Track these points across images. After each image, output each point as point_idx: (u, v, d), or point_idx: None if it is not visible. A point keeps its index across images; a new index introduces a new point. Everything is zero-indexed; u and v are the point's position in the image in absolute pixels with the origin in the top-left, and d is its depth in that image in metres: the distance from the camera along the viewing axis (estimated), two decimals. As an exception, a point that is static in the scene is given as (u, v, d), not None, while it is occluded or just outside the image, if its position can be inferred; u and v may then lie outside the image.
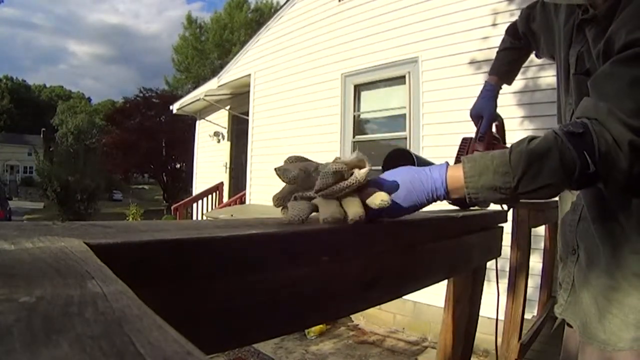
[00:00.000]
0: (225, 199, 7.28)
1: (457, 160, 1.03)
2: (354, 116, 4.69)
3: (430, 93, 3.93)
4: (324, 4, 5.08)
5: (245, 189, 6.33)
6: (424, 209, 0.62)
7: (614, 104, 0.60)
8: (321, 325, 3.80)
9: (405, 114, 4.13)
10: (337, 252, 0.48)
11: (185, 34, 27.91)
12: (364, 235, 0.53)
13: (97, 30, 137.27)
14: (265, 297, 0.40)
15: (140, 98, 17.38)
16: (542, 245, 2.51)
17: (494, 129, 1.16)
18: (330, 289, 0.49)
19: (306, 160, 0.57)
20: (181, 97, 9.49)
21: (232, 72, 6.74)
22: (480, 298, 0.96)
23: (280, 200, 0.57)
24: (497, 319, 1.10)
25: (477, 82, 3.23)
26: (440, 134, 3.75)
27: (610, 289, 0.76)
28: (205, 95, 7.01)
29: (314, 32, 5.19)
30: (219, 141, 7.81)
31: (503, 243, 1.02)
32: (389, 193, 0.54)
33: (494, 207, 0.91)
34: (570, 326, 0.91)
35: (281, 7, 5.96)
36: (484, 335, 1.70)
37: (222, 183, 7.56)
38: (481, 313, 0.96)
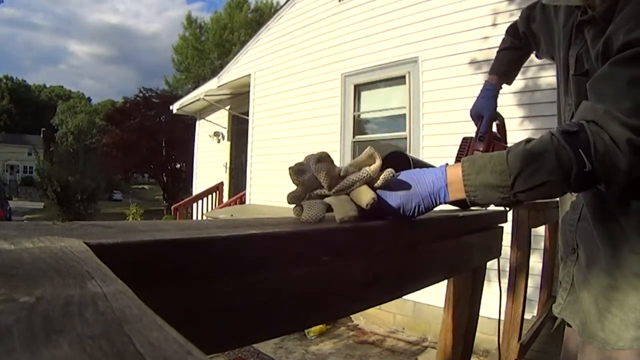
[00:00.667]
0: (225, 199, 7.28)
1: (457, 160, 1.03)
2: (354, 116, 4.70)
3: (430, 93, 3.93)
4: (324, 4, 5.08)
5: (245, 189, 6.33)
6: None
7: (612, 104, 0.60)
8: (321, 325, 3.80)
9: (405, 114, 4.13)
10: (337, 252, 0.48)
11: (185, 34, 27.93)
12: (364, 235, 0.54)
13: (97, 30, 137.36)
14: (265, 297, 0.40)
15: (140, 98, 17.37)
16: (542, 245, 2.51)
17: (494, 129, 1.16)
18: (330, 289, 0.49)
19: (330, 160, 0.56)
20: (181, 97, 9.49)
21: (232, 72, 6.74)
22: (480, 298, 0.96)
23: (295, 199, 0.57)
24: (499, 319, 1.10)
25: (477, 82, 3.23)
26: (440, 134, 3.75)
27: (610, 289, 0.77)
28: (205, 95, 7.02)
29: (314, 32, 5.19)
30: (219, 141, 7.81)
31: (503, 243, 1.02)
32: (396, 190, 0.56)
33: (494, 207, 0.91)
34: (570, 325, 0.91)
35: (281, 7, 5.96)
36: (484, 335, 1.70)
37: (222, 183, 7.56)
38: (481, 313, 0.96)
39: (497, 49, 1.25)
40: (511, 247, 1.70)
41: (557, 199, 1.01)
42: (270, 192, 5.50)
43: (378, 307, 3.08)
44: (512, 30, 1.18)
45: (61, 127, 35.34)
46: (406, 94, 4.13)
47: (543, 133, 0.62)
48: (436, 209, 0.62)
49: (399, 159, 0.73)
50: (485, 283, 0.97)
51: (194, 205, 7.34)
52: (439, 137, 3.76)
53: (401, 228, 0.60)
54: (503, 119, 1.19)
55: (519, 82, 3.28)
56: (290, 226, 0.48)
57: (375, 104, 4.63)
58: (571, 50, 0.81)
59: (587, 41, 0.75)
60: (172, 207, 8.21)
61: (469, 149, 1.08)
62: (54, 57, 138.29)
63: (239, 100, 7.03)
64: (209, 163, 8.07)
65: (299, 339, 3.72)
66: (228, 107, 7.34)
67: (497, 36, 1.25)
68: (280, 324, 0.43)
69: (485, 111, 1.14)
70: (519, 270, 1.70)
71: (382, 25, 4.40)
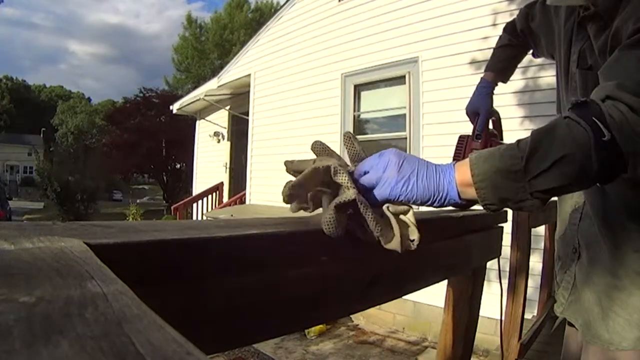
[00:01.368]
0: (225, 199, 7.28)
1: (455, 159, 1.03)
2: (354, 116, 4.70)
3: (431, 93, 3.93)
4: (324, 4, 5.08)
5: (245, 189, 6.33)
6: (424, 209, 0.62)
7: (624, 79, 0.57)
8: (321, 325, 3.80)
9: (405, 114, 4.13)
10: (336, 252, 0.48)
11: (185, 34, 27.91)
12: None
13: (97, 30, 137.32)
14: (265, 297, 0.40)
15: (140, 98, 17.36)
16: (542, 245, 2.51)
17: (490, 125, 1.16)
18: (330, 289, 0.49)
19: (330, 151, 0.52)
20: (181, 97, 9.49)
21: (232, 72, 6.74)
22: (480, 298, 0.96)
23: (306, 197, 0.50)
24: (501, 319, 1.10)
25: (477, 82, 3.22)
26: (440, 134, 3.75)
27: (613, 288, 0.76)
28: (205, 95, 7.02)
29: (314, 32, 5.19)
30: (219, 141, 7.81)
31: (503, 243, 1.02)
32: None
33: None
34: (572, 325, 0.91)
35: (281, 7, 5.96)
36: (484, 335, 1.70)
37: (222, 183, 7.56)
38: (481, 313, 0.96)
39: (496, 47, 1.25)
40: (511, 247, 1.70)
41: (555, 198, 1.01)
42: (270, 192, 5.50)
43: (378, 307, 3.08)
44: (510, 28, 1.17)
45: (61, 127, 35.32)
46: (406, 94, 4.13)
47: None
48: (436, 209, 0.61)
49: None
50: (485, 283, 0.97)
51: (194, 205, 7.34)
52: (439, 137, 3.76)
53: (401, 228, 0.60)
54: (499, 114, 1.18)
55: (519, 82, 3.29)
56: (290, 226, 0.48)
57: (375, 104, 4.63)
58: (573, 47, 0.81)
59: (590, 37, 0.76)
60: (172, 207, 8.21)
61: (466, 146, 1.07)
62: (54, 57, 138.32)
63: (239, 100, 7.03)
64: (209, 163, 8.07)
65: (299, 339, 3.72)
66: (228, 107, 7.34)
67: (497, 36, 1.25)
68: (280, 324, 0.43)
69: (481, 108, 1.13)
70: (519, 270, 1.70)
71: (382, 25, 4.40)
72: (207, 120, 8.04)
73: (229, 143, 7.63)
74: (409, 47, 4.13)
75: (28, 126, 41.49)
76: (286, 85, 5.56)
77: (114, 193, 27.61)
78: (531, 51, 1.17)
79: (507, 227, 1.10)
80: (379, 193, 0.52)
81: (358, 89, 4.71)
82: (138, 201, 19.56)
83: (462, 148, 1.07)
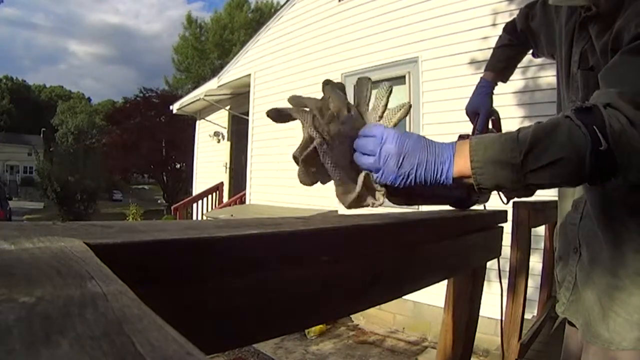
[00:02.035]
0: (225, 199, 7.28)
1: None
2: (354, 116, 4.69)
3: (430, 93, 3.94)
4: (324, 4, 5.08)
5: (245, 189, 6.34)
6: (424, 209, 0.62)
7: (625, 88, 0.58)
8: (321, 325, 3.80)
9: (405, 114, 4.13)
10: (336, 252, 0.48)
11: (185, 34, 27.93)
12: (363, 235, 0.53)
13: (97, 30, 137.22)
14: (265, 297, 0.40)
15: (140, 98, 17.35)
16: (542, 245, 2.51)
17: (490, 125, 1.16)
18: (330, 289, 0.49)
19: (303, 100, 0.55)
20: (181, 97, 9.49)
21: (232, 72, 6.74)
22: (480, 298, 0.96)
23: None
24: (501, 319, 1.10)
25: (476, 82, 3.22)
26: (440, 134, 3.75)
27: (614, 288, 0.76)
28: (205, 95, 7.02)
29: (314, 32, 5.19)
30: (219, 141, 7.81)
31: (503, 243, 1.02)
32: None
33: (494, 207, 0.91)
34: (572, 325, 0.91)
35: (281, 7, 5.96)
36: (484, 335, 1.70)
37: (222, 183, 7.56)
38: (481, 313, 0.96)
39: (496, 47, 1.24)
40: (511, 247, 1.70)
41: (557, 198, 1.01)
42: (270, 192, 5.50)
43: (378, 307, 3.08)
44: (510, 28, 1.17)
45: (61, 127, 35.34)
46: (406, 94, 4.13)
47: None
48: (436, 208, 0.61)
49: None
50: (485, 283, 0.97)
51: (194, 205, 7.34)
52: (439, 137, 3.72)
53: (401, 228, 0.60)
54: (498, 114, 1.18)
55: (519, 82, 3.29)
56: (290, 226, 0.48)
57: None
58: (575, 47, 0.81)
59: (591, 37, 0.76)
60: (172, 208, 8.21)
61: None
62: (54, 57, 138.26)
63: (239, 100, 7.03)
64: (209, 163, 8.07)
65: (299, 339, 3.72)
66: (228, 107, 7.34)
67: (497, 36, 1.25)
68: (280, 324, 0.43)
69: (481, 108, 1.13)
70: (519, 270, 1.70)
71: (382, 25, 4.40)
72: (207, 120, 8.04)
73: (229, 143, 7.63)
74: (409, 47, 4.13)
75: (28, 126, 41.49)
76: (286, 85, 5.55)
77: (114, 193, 27.61)
78: (531, 51, 1.17)
79: (507, 227, 1.10)
80: (379, 181, 0.58)
81: (358, 89, 4.71)
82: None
83: None
